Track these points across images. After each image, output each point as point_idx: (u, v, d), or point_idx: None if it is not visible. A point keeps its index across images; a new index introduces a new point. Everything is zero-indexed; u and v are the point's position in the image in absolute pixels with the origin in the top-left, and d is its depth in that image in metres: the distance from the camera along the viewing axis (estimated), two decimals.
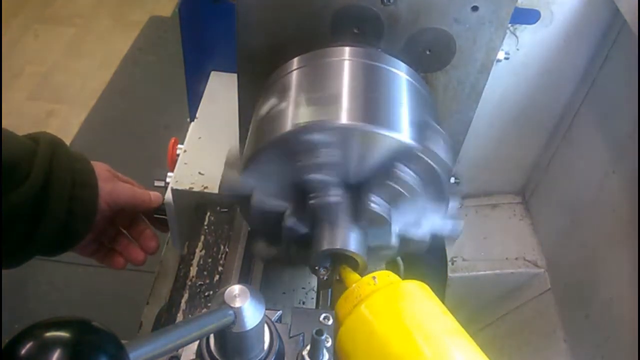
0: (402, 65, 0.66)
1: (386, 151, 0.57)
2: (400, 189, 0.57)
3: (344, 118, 0.56)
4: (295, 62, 0.66)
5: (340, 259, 0.60)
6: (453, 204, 0.62)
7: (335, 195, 0.58)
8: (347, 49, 0.65)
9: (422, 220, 0.61)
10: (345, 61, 0.64)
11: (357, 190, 0.60)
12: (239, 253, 0.84)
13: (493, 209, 1.15)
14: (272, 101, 0.63)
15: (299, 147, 0.56)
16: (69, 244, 0.75)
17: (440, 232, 0.62)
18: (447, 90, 0.73)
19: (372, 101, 0.60)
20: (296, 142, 0.56)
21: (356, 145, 0.56)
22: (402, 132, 0.56)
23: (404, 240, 0.63)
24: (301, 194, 0.60)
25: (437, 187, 0.59)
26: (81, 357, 0.34)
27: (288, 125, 0.57)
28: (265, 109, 0.64)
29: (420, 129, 0.58)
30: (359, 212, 0.59)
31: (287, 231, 0.62)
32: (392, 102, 0.61)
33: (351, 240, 0.58)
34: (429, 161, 0.56)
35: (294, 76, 0.65)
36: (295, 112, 0.59)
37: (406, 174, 0.57)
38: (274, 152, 0.58)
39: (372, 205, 0.58)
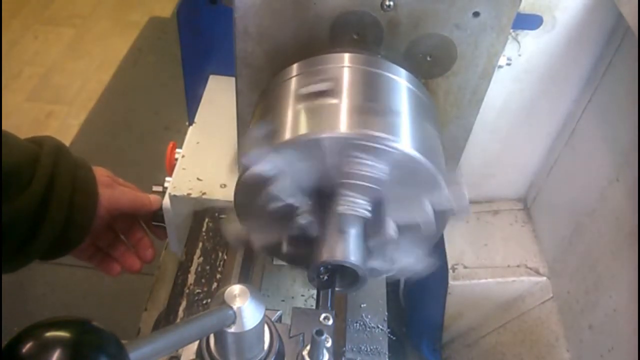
0: (402, 71, 0.65)
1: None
2: (365, 183, 0.56)
3: (399, 140, 0.55)
4: (294, 68, 0.65)
5: (340, 269, 0.59)
6: (456, 184, 0.60)
7: (364, 210, 0.58)
8: (346, 56, 0.64)
9: (417, 204, 0.59)
10: (345, 68, 0.63)
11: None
12: (238, 260, 0.83)
13: (494, 216, 1.14)
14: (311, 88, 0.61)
15: (348, 155, 0.55)
16: (66, 249, 0.75)
17: (444, 209, 0.60)
18: (448, 96, 0.72)
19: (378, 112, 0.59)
20: (350, 149, 0.55)
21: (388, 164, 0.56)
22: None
23: (409, 228, 0.61)
24: (326, 198, 0.59)
25: (410, 167, 0.56)
26: (81, 357, 0.34)
27: (344, 127, 0.55)
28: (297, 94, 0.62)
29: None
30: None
31: (296, 228, 0.60)
32: (392, 110, 0.60)
33: (355, 253, 0.57)
34: (375, 145, 0.54)
35: (294, 83, 0.64)
36: (353, 118, 0.57)
37: (365, 165, 0.55)
38: (318, 147, 0.55)
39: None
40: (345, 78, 0.62)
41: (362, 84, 0.62)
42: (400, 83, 0.64)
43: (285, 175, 0.57)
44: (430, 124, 0.64)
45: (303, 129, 0.56)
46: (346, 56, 0.64)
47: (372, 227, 0.60)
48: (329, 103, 0.59)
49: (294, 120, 0.59)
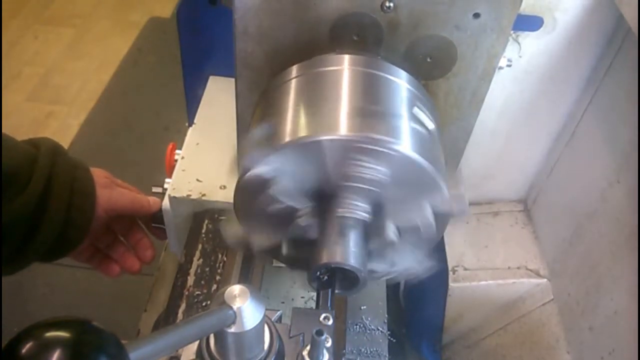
0: (402, 73, 0.65)
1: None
2: (365, 186, 0.56)
3: (400, 143, 0.55)
4: (293, 70, 0.65)
5: (340, 272, 0.59)
6: (457, 188, 0.60)
7: (365, 213, 0.58)
8: (346, 57, 0.64)
9: (417, 207, 0.59)
10: (344, 69, 0.62)
11: None
12: (237, 262, 0.83)
13: (495, 217, 1.14)
14: (300, 97, 0.62)
15: (349, 157, 0.55)
16: (65, 251, 0.75)
17: (444, 212, 0.60)
18: (448, 98, 0.72)
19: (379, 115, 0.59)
20: (351, 151, 0.55)
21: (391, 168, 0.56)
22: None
23: (409, 231, 0.61)
24: (326, 200, 0.59)
25: (411, 170, 0.56)
26: (81, 357, 0.34)
27: (344, 130, 0.55)
28: (290, 105, 0.62)
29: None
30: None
31: (297, 230, 0.60)
32: (394, 113, 0.60)
33: (355, 256, 0.57)
34: (376, 148, 0.54)
35: (294, 85, 0.64)
36: (353, 120, 0.57)
37: (365, 168, 0.55)
38: (318, 150, 0.55)
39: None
40: (345, 80, 0.62)
41: (362, 85, 0.62)
42: (400, 85, 0.64)
43: (286, 177, 0.57)
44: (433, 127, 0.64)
45: (303, 131, 0.56)
46: (346, 57, 0.63)
47: (372, 229, 0.60)
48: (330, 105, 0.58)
49: (294, 122, 0.58)
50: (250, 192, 0.59)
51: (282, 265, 0.73)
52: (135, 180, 0.87)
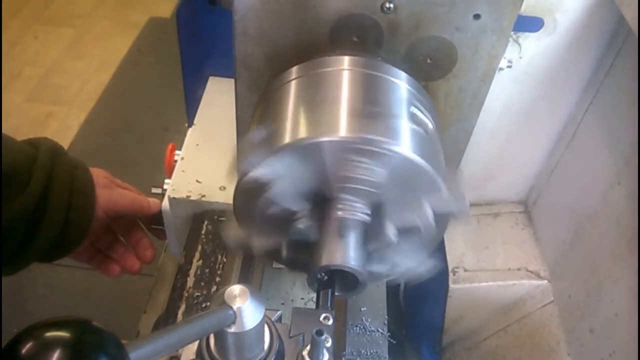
0: (402, 74, 0.65)
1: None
2: (364, 187, 0.56)
3: (399, 144, 0.55)
4: (293, 71, 0.65)
5: (340, 273, 0.59)
6: (457, 187, 0.60)
7: (364, 214, 0.58)
8: (346, 58, 0.63)
9: (417, 207, 0.59)
10: (344, 71, 0.62)
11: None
12: (237, 263, 0.83)
13: (495, 218, 1.14)
14: (304, 96, 0.62)
15: (347, 158, 0.55)
16: (64, 251, 0.75)
17: (444, 212, 0.60)
18: (448, 99, 0.72)
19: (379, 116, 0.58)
20: (349, 152, 0.54)
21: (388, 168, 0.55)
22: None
23: (409, 231, 0.61)
24: (325, 202, 0.58)
25: (410, 170, 0.56)
26: (81, 357, 0.34)
27: (343, 131, 0.55)
28: (292, 106, 0.61)
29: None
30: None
31: (295, 232, 0.60)
32: (392, 114, 0.59)
33: (354, 257, 0.57)
34: (374, 149, 0.54)
35: (294, 86, 0.64)
36: (352, 122, 0.56)
37: (364, 169, 0.55)
38: (317, 151, 0.55)
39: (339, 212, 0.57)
40: (344, 81, 0.61)
41: (362, 86, 0.62)
42: (400, 86, 0.64)
43: (284, 180, 0.56)
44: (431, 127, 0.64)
45: (302, 133, 0.56)
46: (346, 59, 0.63)
47: (372, 230, 0.59)
48: (329, 107, 0.58)
49: (293, 124, 0.58)
50: (249, 195, 0.59)
51: (282, 266, 0.73)
52: (135, 181, 0.87)
